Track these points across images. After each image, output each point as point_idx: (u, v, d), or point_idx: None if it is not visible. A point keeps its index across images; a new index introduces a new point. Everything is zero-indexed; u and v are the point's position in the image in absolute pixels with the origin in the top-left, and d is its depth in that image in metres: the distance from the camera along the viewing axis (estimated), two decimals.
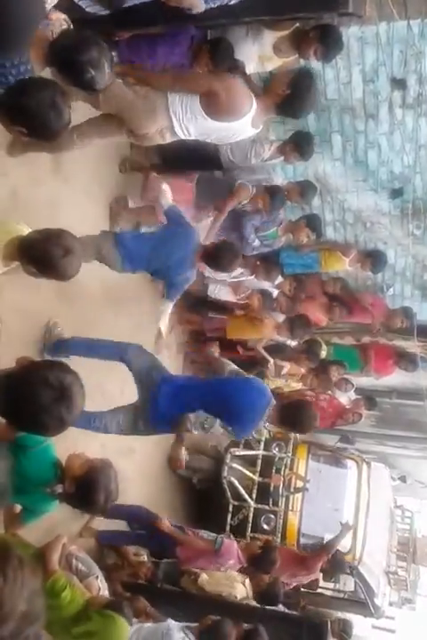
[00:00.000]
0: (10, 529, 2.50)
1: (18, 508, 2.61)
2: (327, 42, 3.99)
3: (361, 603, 7.07)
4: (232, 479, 6.10)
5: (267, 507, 6.41)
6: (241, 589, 4.98)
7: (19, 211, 3.70)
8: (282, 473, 6.45)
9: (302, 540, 6.57)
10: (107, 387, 4.70)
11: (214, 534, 4.79)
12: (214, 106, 3.45)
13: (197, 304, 6.14)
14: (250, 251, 5.44)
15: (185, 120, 3.53)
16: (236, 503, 6.32)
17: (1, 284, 3.47)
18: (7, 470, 1.55)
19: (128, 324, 5.16)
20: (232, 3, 3.48)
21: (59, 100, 2.24)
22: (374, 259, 6.01)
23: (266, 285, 5.74)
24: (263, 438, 6.60)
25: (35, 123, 2.24)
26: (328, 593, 7.09)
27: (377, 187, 5.63)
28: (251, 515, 6.33)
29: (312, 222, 5.40)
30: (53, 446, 2.61)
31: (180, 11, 3.49)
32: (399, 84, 4.80)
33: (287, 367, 6.11)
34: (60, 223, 3.79)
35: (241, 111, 3.48)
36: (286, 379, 6.45)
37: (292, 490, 6.56)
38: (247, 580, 5.15)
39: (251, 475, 6.41)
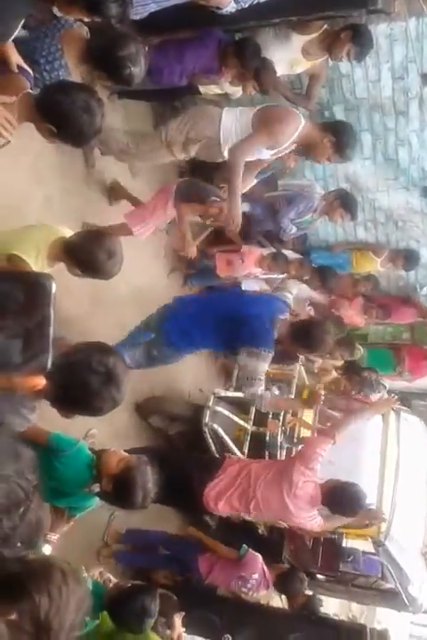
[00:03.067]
0: (59, 527, 2.53)
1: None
2: (360, 42, 3.98)
3: (392, 592, 5.45)
4: (216, 427, 4.78)
5: None
6: (278, 601, 4.90)
7: (53, 217, 3.77)
8: (281, 419, 5.07)
9: None
10: None
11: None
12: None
13: None
14: (287, 237, 5.49)
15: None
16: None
17: None
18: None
19: None
20: (263, 0, 3.48)
21: (93, 105, 2.24)
22: (406, 258, 5.96)
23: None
24: None
25: (66, 122, 2.24)
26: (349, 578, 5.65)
27: (408, 184, 5.57)
28: None
29: (347, 203, 5.25)
30: (86, 446, 2.63)
31: (208, 14, 3.52)
32: None
33: (319, 362, 5.99)
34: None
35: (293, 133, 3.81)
36: (319, 378, 6.33)
37: (295, 441, 5.09)
38: (284, 596, 5.00)
39: (242, 423, 5.02)
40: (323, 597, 5.16)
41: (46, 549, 2.24)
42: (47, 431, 2.54)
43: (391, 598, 5.53)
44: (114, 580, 3.22)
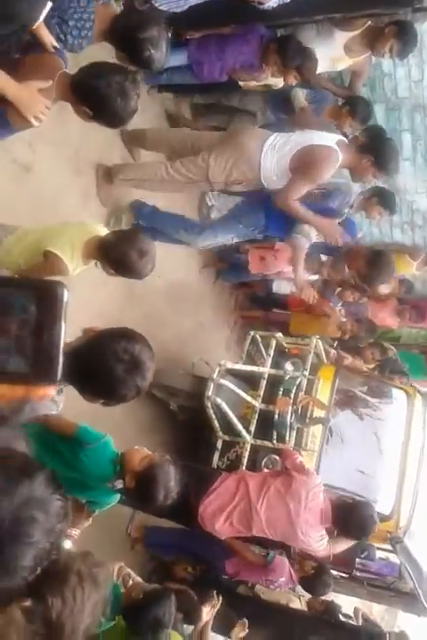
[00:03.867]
0: (79, 523, 2.55)
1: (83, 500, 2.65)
2: (404, 38, 3.93)
3: (409, 595, 4.95)
4: (220, 402, 4.30)
5: (269, 443, 4.44)
6: (297, 603, 4.85)
7: (89, 212, 3.80)
8: (292, 395, 4.52)
9: None
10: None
11: (264, 550, 4.21)
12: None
13: (259, 300, 6.10)
14: None
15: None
16: (226, 438, 4.55)
17: (72, 281, 3.58)
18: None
19: (191, 323, 5.21)
20: None
21: (128, 88, 2.24)
22: None
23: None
24: (272, 352, 4.83)
25: (101, 105, 2.25)
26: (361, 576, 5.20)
27: None
28: (246, 454, 4.45)
29: (384, 198, 5.03)
30: (112, 441, 2.64)
31: (250, 9, 3.48)
32: None
33: (349, 360, 5.90)
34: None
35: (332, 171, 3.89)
36: None
37: (307, 420, 4.54)
38: (303, 598, 4.92)
39: (250, 399, 4.52)
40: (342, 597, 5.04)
41: (67, 544, 2.26)
42: (75, 423, 2.55)
43: (410, 601, 5.08)
44: (134, 575, 3.23)
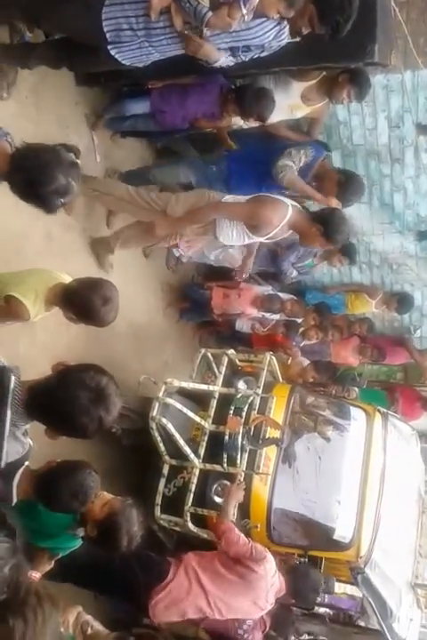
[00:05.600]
0: (41, 565, 2.50)
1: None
2: (359, 82, 4.08)
3: (372, 630, 4.68)
4: (166, 423, 4.02)
5: (219, 467, 4.13)
6: None
7: (53, 254, 3.81)
8: (244, 415, 4.22)
9: (274, 522, 4.20)
10: None
11: None
12: (257, 228, 3.95)
13: (223, 338, 6.18)
14: (289, 281, 5.66)
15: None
16: (173, 462, 4.23)
17: (34, 323, 3.56)
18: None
19: (155, 363, 5.21)
20: (264, 55, 3.58)
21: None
22: (400, 300, 6.05)
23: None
24: (223, 370, 4.57)
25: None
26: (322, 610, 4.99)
27: (403, 229, 5.67)
28: (194, 480, 4.11)
29: (346, 249, 5.41)
30: None
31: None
32: (425, 129, 4.88)
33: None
34: (92, 268, 3.92)
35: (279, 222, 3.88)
36: None
37: (259, 441, 4.22)
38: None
39: (199, 420, 4.24)
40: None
41: None
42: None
43: (371, 636, 4.81)
44: (94, 623, 3.13)
